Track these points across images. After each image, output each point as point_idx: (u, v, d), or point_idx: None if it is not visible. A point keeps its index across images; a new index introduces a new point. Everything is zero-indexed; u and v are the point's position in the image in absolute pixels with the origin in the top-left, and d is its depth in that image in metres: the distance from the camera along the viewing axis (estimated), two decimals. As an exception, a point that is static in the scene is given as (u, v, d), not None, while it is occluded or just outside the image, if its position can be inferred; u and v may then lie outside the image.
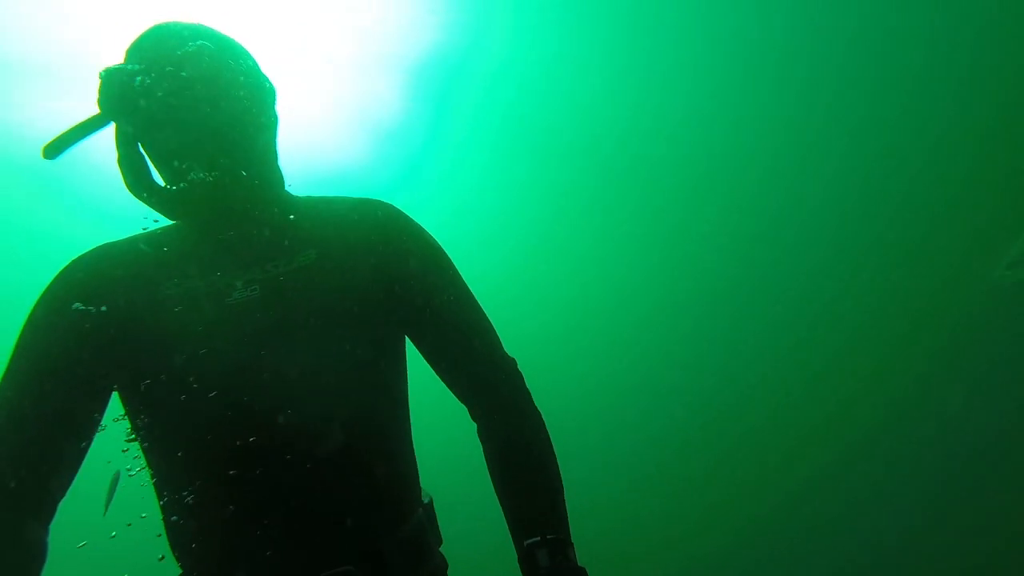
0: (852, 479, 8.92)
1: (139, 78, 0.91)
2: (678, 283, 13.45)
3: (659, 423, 12.88)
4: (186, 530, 0.98)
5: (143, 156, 0.95)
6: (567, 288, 14.54)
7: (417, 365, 1.14)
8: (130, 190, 0.95)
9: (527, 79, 11.08)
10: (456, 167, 12.00)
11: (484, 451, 1.07)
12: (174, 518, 0.99)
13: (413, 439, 1.14)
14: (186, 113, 0.92)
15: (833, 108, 11.14)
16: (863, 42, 10.26)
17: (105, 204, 9.01)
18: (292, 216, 1.07)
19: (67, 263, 1.06)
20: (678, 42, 10.47)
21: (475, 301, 1.11)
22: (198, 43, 0.95)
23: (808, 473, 9.79)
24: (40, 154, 0.98)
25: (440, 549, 1.14)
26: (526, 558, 0.92)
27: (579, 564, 0.93)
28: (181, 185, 0.95)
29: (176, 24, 0.99)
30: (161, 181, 0.99)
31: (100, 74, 0.93)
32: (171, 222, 1.07)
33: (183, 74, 0.92)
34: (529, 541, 0.92)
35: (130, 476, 1.18)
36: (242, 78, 0.98)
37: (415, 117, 10.65)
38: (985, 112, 9.98)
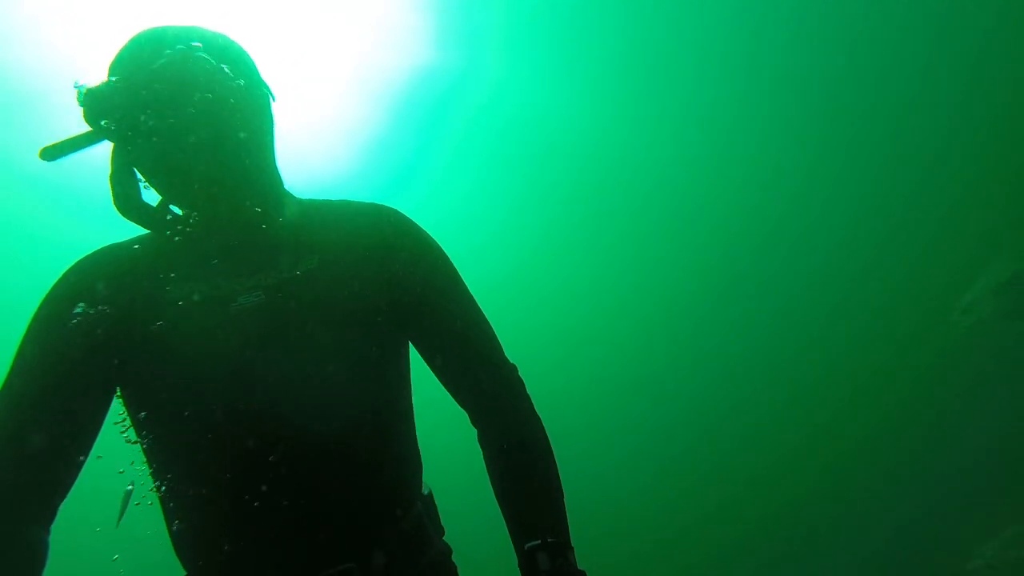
0: (856, 481, 8.87)
1: (102, 102, 0.90)
2: (684, 288, 13.41)
3: (663, 425, 12.87)
4: (189, 531, 0.97)
5: (133, 175, 0.94)
6: (573, 292, 14.52)
7: (420, 365, 1.14)
8: (115, 207, 0.95)
9: (516, 101, 11.12)
10: (443, 190, 12.04)
11: (484, 456, 1.07)
12: (177, 519, 0.98)
13: (418, 438, 1.14)
14: (162, 128, 0.90)
15: (835, 116, 11.18)
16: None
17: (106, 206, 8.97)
18: (295, 220, 1.06)
19: (71, 265, 1.05)
20: (678, 38, 10.47)
21: (478, 307, 1.11)
22: (175, 50, 0.92)
23: (812, 475, 9.73)
24: (37, 154, 0.98)
25: (444, 539, 1.14)
26: (527, 561, 0.92)
27: (579, 567, 0.93)
28: (179, 229, 0.96)
29: (157, 31, 0.96)
30: (156, 193, 0.99)
31: (78, 98, 0.93)
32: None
33: (155, 87, 0.90)
34: (530, 544, 0.92)
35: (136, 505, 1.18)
36: (228, 81, 0.96)
37: (403, 138, 10.73)
38: (989, 113, 10.02)
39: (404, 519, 1.03)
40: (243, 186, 0.97)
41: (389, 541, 1.00)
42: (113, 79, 0.92)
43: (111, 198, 0.95)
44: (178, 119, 0.90)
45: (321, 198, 1.15)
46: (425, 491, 1.13)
